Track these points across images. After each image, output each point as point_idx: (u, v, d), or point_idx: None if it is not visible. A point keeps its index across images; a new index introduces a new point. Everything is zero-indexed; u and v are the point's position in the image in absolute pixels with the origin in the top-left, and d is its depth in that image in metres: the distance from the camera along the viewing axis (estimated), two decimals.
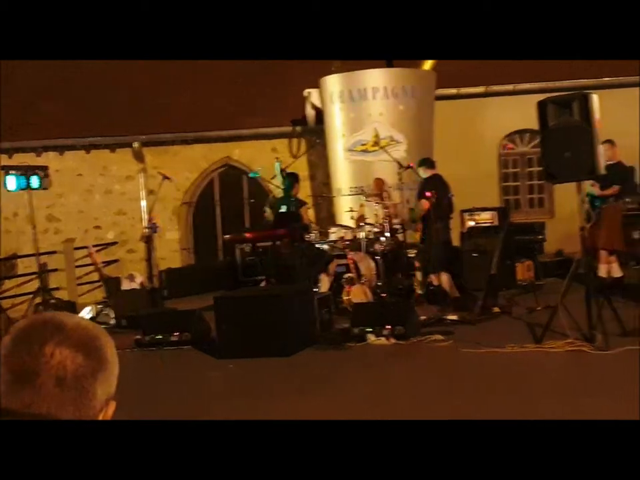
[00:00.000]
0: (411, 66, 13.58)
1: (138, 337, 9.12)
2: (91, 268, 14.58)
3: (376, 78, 13.29)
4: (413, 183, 11.67)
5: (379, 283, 10.69)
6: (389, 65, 13.38)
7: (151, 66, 14.47)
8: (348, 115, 13.48)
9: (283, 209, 10.85)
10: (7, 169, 11.94)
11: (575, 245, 11.02)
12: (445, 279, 10.20)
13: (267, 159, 14.91)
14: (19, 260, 15.57)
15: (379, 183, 11.90)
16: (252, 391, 6.98)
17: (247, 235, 11.63)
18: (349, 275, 10.43)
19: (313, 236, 11.38)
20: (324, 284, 10.66)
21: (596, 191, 10.38)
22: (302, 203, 10.99)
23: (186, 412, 6.18)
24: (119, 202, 16.38)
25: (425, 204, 10.10)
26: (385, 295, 10.44)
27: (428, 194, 9.88)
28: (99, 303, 11.99)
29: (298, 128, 15.70)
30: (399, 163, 10.98)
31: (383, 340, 8.22)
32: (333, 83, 13.64)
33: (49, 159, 15.62)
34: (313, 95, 14.76)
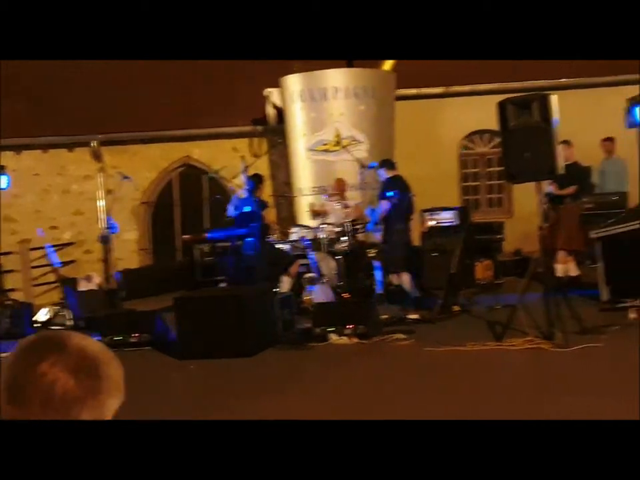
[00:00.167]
0: (371, 66, 13.62)
1: (96, 338, 9.01)
2: (48, 269, 14.40)
3: (336, 78, 13.31)
4: (376, 183, 11.70)
5: (340, 283, 10.70)
6: (350, 65, 13.40)
7: (108, 65, 14.30)
8: (309, 115, 13.48)
9: (247, 209, 10.80)
10: None
11: (532, 244, 11.14)
12: (405, 278, 10.24)
13: (227, 158, 14.85)
14: None
15: (340, 183, 11.92)
16: (214, 392, 6.94)
17: (206, 234, 11.57)
18: (310, 274, 10.43)
19: (273, 236, 11.37)
20: (284, 284, 10.64)
21: (554, 190, 10.50)
22: (265, 205, 10.96)
23: (147, 413, 6.11)
24: (76, 202, 16.20)
25: (386, 205, 10.13)
26: (346, 294, 10.45)
27: (388, 195, 9.91)
28: (55, 305, 11.83)
29: (259, 127, 15.67)
30: (360, 162, 10.99)
31: (344, 339, 8.22)
32: (294, 82, 13.63)
33: (6, 159, 15.40)
34: (274, 94, 14.74)
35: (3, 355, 1.51)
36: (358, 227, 11.23)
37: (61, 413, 1.41)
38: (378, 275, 10.67)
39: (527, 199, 12.00)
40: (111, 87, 16.13)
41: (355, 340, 8.21)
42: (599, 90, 15.01)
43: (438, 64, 12.91)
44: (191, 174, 16.49)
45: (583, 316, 7.79)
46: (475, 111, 14.80)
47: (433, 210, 12.36)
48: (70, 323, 10.69)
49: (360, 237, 11.29)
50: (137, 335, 8.89)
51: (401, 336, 8.25)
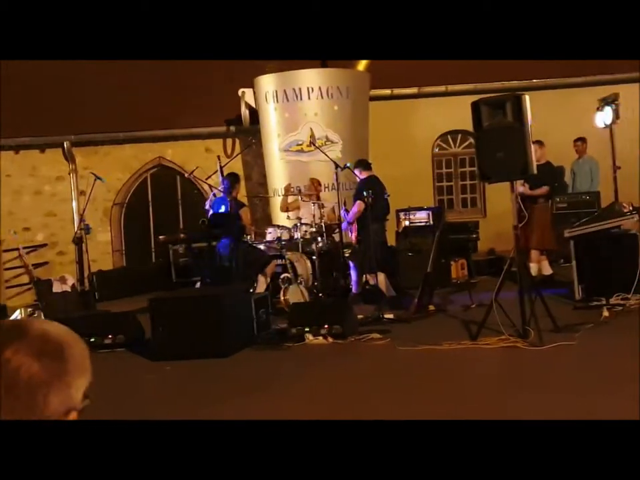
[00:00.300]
0: (345, 66, 13.65)
1: None
2: (20, 270, 14.28)
3: (310, 78, 13.32)
4: (351, 183, 11.73)
5: (316, 283, 10.72)
6: (323, 65, 13.42)
7: (80, 65, 14.21)
8: (283, 115, 13.47)
9: (222, 209, 10.77)
10: None
11: (506, 243, 11.22)
12: (381, 278, 10.27)
13: (200, 159, 14.81)
14: None
15: (314, 183, 11.93)
16: (189, 393, 6.91)
17: (182, 235, 11.52)
18: (286, 274, 10.43)
19: (249, 237, 11.35)
20: (260, 285, 10.63)
21: (525, 190, 10.57)
22: (241, 205, 10.92)
23: (122, 415, 6.08)
24: (49, 203, 16.08)
25: (361, 205, 10.15)
26: (321, 294, 10.47)
27: (364, 195, 9.93)
28: (29, 306, 11.74)
29: (232, 128, 15.64)
30: (335, 163, 11.00)
31: (320, 339, 8.23)
32: (268, 82, 13.62)
33: None
34: (247, 95, 14.72)
35: None
36: (333, 227, 11.25)
37: (28, 398, 1.41)
38: (354, 275, 10.70)
39: (500, 198, 12.09)
40: (83, 87, 16.03)
41: (331, 340, 8.22)
42: (570, 90, 15.16)
43: (411, 64, 12.99)
44: (165, 175, 16.43)
45: (557, 314, 7.86)
46: (448, 112, 14.90)
47: (407, 210, 12.40)
48: None
49: (335, 237, 11.30)
50: (111, 336, 8.84)
51: (377, 335, 8.27)
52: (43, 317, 10.74)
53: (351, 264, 10.77)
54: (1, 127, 15.04)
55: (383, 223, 10.64)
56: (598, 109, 12.05)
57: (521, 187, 10.36)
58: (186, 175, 13.09)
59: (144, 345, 8.71)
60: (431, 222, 12.14)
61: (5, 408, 1.40)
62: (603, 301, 8.74)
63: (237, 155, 14.91)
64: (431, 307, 9.55)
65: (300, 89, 13.27)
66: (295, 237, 11.02)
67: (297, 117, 13.35)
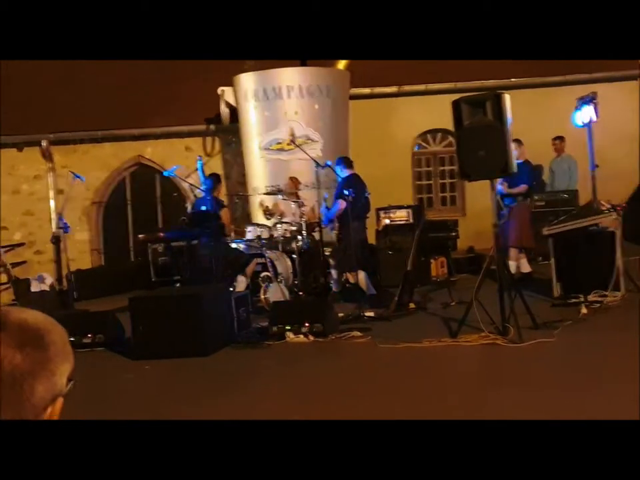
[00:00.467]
0: (325, 65, 13.64)
1: None
2: None
3: (290, 76, 13.30)
4: (332, 181, 11.73)
5: (296, 282, 10.72)
6: (304, 64, 13.41)
7: (59, 63, 14.13)
8: (263, 114, 13.45)
9: (203, 209, 10.75)
10: None
11: (485, 241, 11.27)
12: (361, 276, 10.29)
13: (180, 157, 14.77)
14: None
15: (294, 181, 11.92)
16: (169, 392, 6.90)
17: (161, 234, 11.47)
18: (266, 273, 10.42)
19: (229, 236, 11.35)
20: (240, 284, 10.62)
21: (504, 189, 10.61)
22: (222, 205, 10.90)
23: (102, 414, 6.06)
24: (26, 202, 15.97)
25: (342, 204, 10.15)
26: (302, 293, 10.47)
27: (345, 193, 9.94)
28: (7, 305, 11.64)
29: (212, 126, 15.60)
30: (315, 161, 11.00)
31: (301, 337, 8.24)
32: (247, 81, 13.59)
33: None
34: (227, 93, 14.67)
35: None
36: (313, 225, 11.25)
37: (13, 389, 1.40)
38: (334, 273, 10.71)
39: (479, 197, 12.15)
40: (61, 85, 15.93)
41: (312, 338, 8.23)
42: (548, 89, 15.24)
43: (391, 63, 13.00)
44: (144, 173, 16.36)
45: (536, 312, 7.90)
46: (428, 111, 14.94)
47: (387, 208, 12.42)
48: None
49: (315, 235, 11.31)
50: (90, 335, 8.79)
51: (358, 333, 8.28)
52: None
53: (332, 262, 10.78)
54: None
55: (363, 221, 10.66)
56: (576, 108, 12.11)
57: (500, 186, 10.41)
58: (164, 174, 13.03)
59: (123, 344, 8.69)
60: (411, 220, 12.16)
61: None
62: (581, 298, 8.81)
63: (217, 154, 14.88)
64: (411, 305, 9.57)
65: (280, 88, 13.25)
66: (275, 235, 11.02)
67: (277, 116, 13.33)
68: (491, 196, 7.97)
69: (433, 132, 15.93)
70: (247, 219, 13.81)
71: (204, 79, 15.10)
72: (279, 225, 10.98)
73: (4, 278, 13.87)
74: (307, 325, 8.27)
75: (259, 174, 13.60)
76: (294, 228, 10.91)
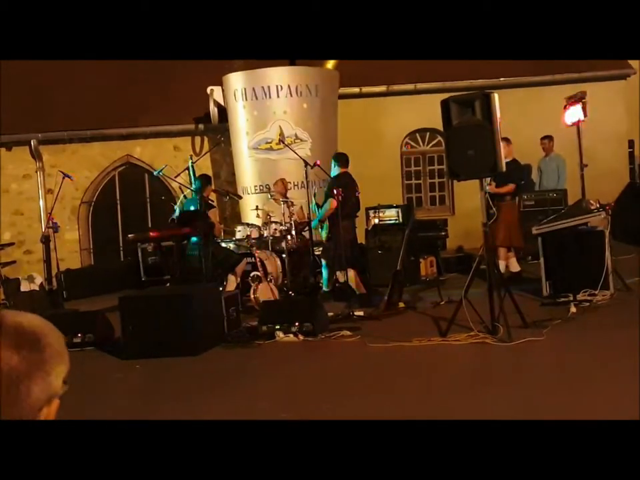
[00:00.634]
0: (314, 65, 13.64)
1: None
2: None
3: (279, 76, 13.30)
4: (321, 181, 11.73)
5: (286, 281, 10.72)
6: (292, 64, 13.41)
7: (47, 63, 14.08)
8: (252, 113, 13.44)
9: (190, 209, 10.73)
10: None
11: (474, 241, 11.30)
12: (351, 275, 10.29)
13: (169, 157, 14.75)
14: None
15: (282, 182, 11.93)
16: (159, 391, 6.90)
17: (151, 233, 11.45)
18: (255, 273, 10.41)
19: (218, 237, 11.34)
20: (230, 284, 10.61)
21: (491, 188, 10.63)
22: (211, 206, 10.87)
23: (92, 414, 6.06)
24: (15, 201, 15.92)
25: (333, 202, 10.12)
26: (291, 292, 10.47)
27: (335, 192, 9.93)
28: None
29: (201, 126, 15.58)
30: (304, 161, 11.00)
31: (291, 337, 8.24)
32: (236, 80, 13.58)
33: None
34: (216, 93, 14.67)
35: None
36: (303, 225, 11.26)
37: (10, 390, 1.42)
38: (325, 272, 10.70)
39: (468, 196, 12.19)
40: (50, 85, 15.89)
41: (302, 337, 8.23)
42: (537, 88, 15.31)
43: (380, 63, 13.05)
44: (133, 173, 16.33)
45: (525, 311, 7.93)
46: (417, 110, 14.97)
47: (377, 208, 12.43)
48: None
49: (305, 234, 11.31)
50: (80, 335, 8.78)
51: (347, 333, 8.29)
52: None
53: (323, 262, 10.77)
54: None
55: (352, 220, 10.63)
56: (565, 107, 12.15)
57: (487, 185, 10.42)
58: (154, 173, 13.01)
59: (113, 344, 8.67)
60: (400, 220, 12.18)
61: None
62: (570, 297, 8.83)
63: (206, 154, 14.87)
64: (401, 304, 9.59)
65: (269, 87, 13.25)
66: (265, 234, 11.02)
67: (266, 115, 13.34)
68: (480, 195, 7.99)
69: (422, 131, 15.97)
70: (236, 219, 13.81)
71: (193, 79, 15.09)
72: (268, 225, 10.97)
73: None
74: (296, 324, 8.27)
75: (248, 173, 13.60)
76: (283, 227, 10.91)
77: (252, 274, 10.47)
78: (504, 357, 6.97)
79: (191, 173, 11.36)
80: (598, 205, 9.61)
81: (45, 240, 11.47)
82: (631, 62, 15.11)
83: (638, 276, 9.84)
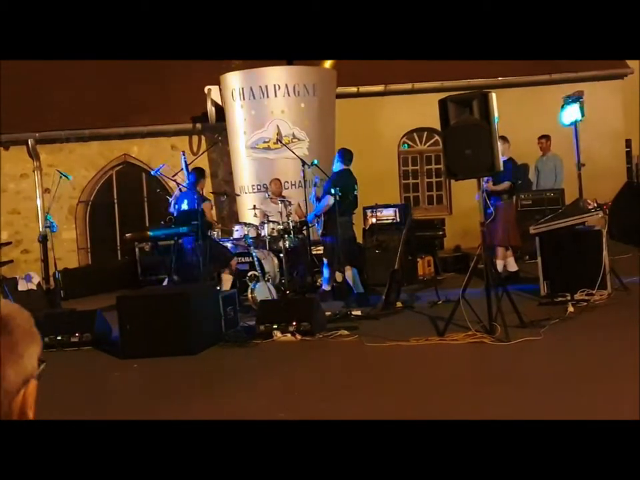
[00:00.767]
0: (312, 64, 13.63)
1: None
2: None
3: (277, 75, 13.29)
4: (319, 180, 11.71)
5: (283, 280, 10.72)
6: (290, 63, 13.40)
7: (44, 62, 14.07)
8: (249, 112, 13.43)
9: (185, 204, 10.72)
10: None
11: (471, 240, 11.30)
12: (349, 273, 10.28)
13: (166, 156, 14.74)
14: None
15: (278, 183, 11.93)
16: (157, 391, 6.90)
17: (149, 233, 11.44)
18: (253, 272, 10.41)
19: (215, 233, 11.33)
20: (226, 282, 10.61)
21: (488, 185, 10.61)
22: (204, 199, 10.84)
23: (89, 413, 6.06)
24: (13, 201, 15.91)
25: (330, 200, 10.09)
26: (289, 291, 10.47)
27: (332, 192, 9.92)
28: None
29: (198, 125, 15.58)
30: (302, 160, 10.99)
31: (289, 336, 8.24)
32: (234, 79, 13.58)
33: None
34: (214, 92, 14.67)
35: None
36: (301, 224, 11.26)
37: None
38: (325, 271, 10.67)
39: (466, 196, 12.18)
40: (47, 84, 15.87)
41: (299, 337, 8.23)
42: (535, 88, 15.32)
43: (378, 62, 13.04)
44: (130, 172, 16.32)
45: (523, 310, 7.93)
46: (414, 109, 14.96)
47: (374, 207, 12.43)
48: None
49: (303, 234, 11.31)
50: (78, 334, 8.78)
51: (345, 332, 8.29)
52: None
53: (324, 260, 10.74)
54: None
55: (350, 217, 10.56)
56: (562, 107, 12.16)
57: (484, 183, 10.41)
58: (152, 173, 13.01)
59: (111, 343, 8.67)
60: (398, 219, 12.17)
61: None
62: (567, 296, 8.84)
63: (203, 153, 14.87)
64: (399, 304, 9.59)
65: (266, 87, 13.24)
66: (262, 234, 11.02)
67: (264, 115, 13.33)
68: (477, 195, 7.99)
69: (420, 131, 15.97)
70: (233, 218, 13.81)
71: (190, 78, 15.09)
72: (266, 224, 10.97)
73: None
74: (294, 323, 8.27)
75: (245, 173, 13.59)
76: (281, 227, 10.91)
77: (249, 273, 10.47)
78: (501, 356, 6.98)
79: (184, 167, 11.34)
80: (595, 205, 9.62)
81: (43, 239, 11.47)
82: (628, 61, 15.11)
83: (635, 275, 9.84)
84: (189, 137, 15.84)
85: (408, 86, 15.38)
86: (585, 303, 8.65)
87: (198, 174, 10.94)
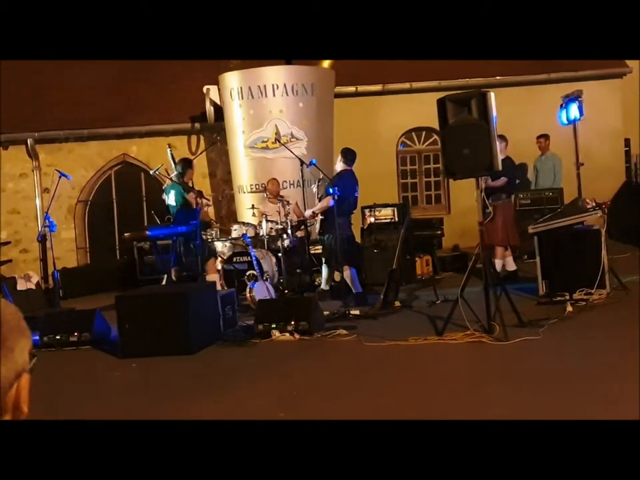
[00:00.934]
0: (310, 63, 13.64)
1: (36, 337, 8.88)
2: None
3: (275, 75, 13.30)
4: (316, 180, 11.71)
5: (281, 280, 10.73)
6: (288, 62, 13.40)
7: (43, 62, 14.08)
8: (248, 112, 13.44)
9: (171, 194, 10.71)
10: None
11: (470, 240, 11.31)
12: (348, 273, 10.29)
13: (165, 156, 14.71)
14: None
15: (275, 182, 11.93)
16: (156, 390, 6.89)
17: (147, 232, 11.45)
18: (251, 271, 10.42)
19: (214, 233, 11.35)
20: (210, 273, 10.65)
21: (486, 183, 10.59)
22: (189, 190, 10.78)
23: (88, 413, 6.06)
24: (12, 200, 15.91)
25: (329, 201, 10.07)
26: (287, 291, 10.48)
27: (330, 192, 9.92)
28: None
29: (197, 125, 15.58)
30: (300, 160, 10.99)
31: (287, 336, 8.24)
32: (232, 79, 13.58)
33: None
34: (212, 92, 14.68)
35: None
36: (299, 224, 11.26)
37: None
38: (324, 271, 10.67)
39: (464, 195, 12.20)
40: (46, 84, 15.88)
41: (298, 336, 8.23)
42: (534, 87, 15.32)
43: (376, 62, 13.05)
44: (129, 172, 16.32)
45: (521, 310, 7.94)
46: (413, 109, 14.97)
47: (372, 207, 12.44)
48: None
49: (301, 233, 11.32)
50: (77, 334, 8.78)
51: (343, 332, 8.29)
52: None
53: (323, 260, 10.73)
54: None
55: (348, 217, 10.55)
56: (561, 106, 12.17)
57: (482, 182, 10.40)
58: (151, 173, 13.00)
59: (110, 343, 8.68)
60: (396, 219, 12.18)
61: None
62: (566, 296, 8.85)
63: (202, 152, 14.87)
64: (397, 303, 9.59)
65: (265, 86, 13.25)
66: (261, 233, 11.02)
67: (262, 114, 13.33)
68: (476, 194, 7.99)
69: (418, 130, 15.97)
70: (232, 217, 13.81)
71: (189, 78, 15.09)
72: (264, 224, 10.97)
73: None
74: (292, 323, 8.28)
75: (244, 172, 13.60)
76: (279, 226, 10.91)
77: (248, 273, 10.48)
78: (500, 356, 6.98)
79: (171, 159, 11.32)
80: (594, 204, 9.62)
81: (42, 239, 11.47)
82: (627, 61, 15.12)
83: (635, 275, 9.85)
84: (188, 137, 15.85)
85: (406, 85, 15.39)
86: (584, 303, 8.66)
87: (184, 165, 10.93)
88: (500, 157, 8.41)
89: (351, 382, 6.60)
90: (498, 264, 10.81)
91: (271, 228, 10.98)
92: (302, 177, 11.26)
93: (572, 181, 12.18)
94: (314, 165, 10.88)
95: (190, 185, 10.80)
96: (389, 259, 10.11)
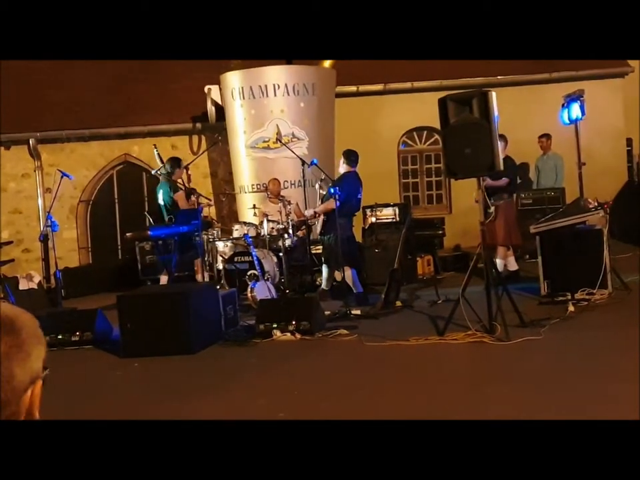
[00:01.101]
0: (311, 63, 13.64)
1: None
2: None
3: (277, 75, 13.30)
4: (318, 180, 11.71)
5: (283, 280, 10.73)
6: (289, 62, 13.40)
7: (45, 62, 14.10)
8: (249, 112, 13.44)
9: (160, 193, 10.73)
10: None
11: (471, 239, 11.30)
12: (348, 273, 10.28)
13: (166, 155, 14.70)
14: None
15: (276, 182, 11.93)
16: (157, 390, 6.89)
17: (149, 232, 11.45)
18: (252, 271, 10.42)
19: (215, 233, 11.35)
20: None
21: (487, 182, 10.57)
22: (177, 189, 10.76)
23: (90, 413, 6.06)
24: (14, 200, 15.93)
25: (332, 203, 10.04)
26: (288, 291, 10.47)
27: (331, 192, 9.91)
28: None
29: (198, 125, 15.58)
30: (302, 159, 10.99)
31: (288, 335, 8.24)
32: (234, 79, 13.58)
33: None
34: (214, 92, 14.68)
35: None
36: (300, 223, 11.26)
37: None
38: (325, 271, 10.67)
39: (465, 195, 12.19)
40: (48, 84, 15.89)
41: (299, 336, 8.23)
42: (535, 87, 15.32)
43: (377, 61, 13.04)
44: (131, 172, 16.33)
45: (523, 310, 7.94)
46: (414, 108, 14.96)
47: (373, 207, 12.44)
48: None
49: (302, 233, 11.32)
50: (78, 333, 8.79)
51: (344, 331, 8.29)
52: None
53: (323, 260, 10.73)
54: None
55: (350, 218, 10.55)
56: (563, 106, 12.16)
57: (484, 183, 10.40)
58: (152, 172, 13.01)
59: (112, 342, 8.68)
60: (397, 218, 12.18)
61: None
62: (568, 296, 8.84)
63: (203, 152, 14.88)
64: (398, 303, 9.59)
65: (266, 86, 13.24)
66: (262, 233, 11.02)
67: (263, 114, 13.33)
68: (477, 194, 7.99)
69: (419, 130, 15.96)
70: (233, 217, 13.80)
71: (190, 78, 15.09)
72: (265, 223, 10.97)
73: None
74: (293, 322, 8.28)
75: (245, 172, 13.60)
76: (281, 226, 10.91)
77: (249, 273, 10.48)
78: (501, 356, 6.97)
79: (158, 159, 11.33)
80: (596, 204, 9.61)
81: (44, 239, 11.47)
82: (629, 60, 15.11)
83: (637, 275, 9.84)
84: (189, 137, 15.85)
85: (407, 85, 15.38)
86: (586, 303, 8.65)
87: (172, 164, 10.93)
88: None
89: (352, 382, 6.59)
90: (499, 264, 10.79)
91: (272, 228, 10.98)
92: (303, 176, 11.26)
93: (574, 180, 12.17)
94: (315, 164, 10.87)
95: (181, 183, 10.81)
96: (390, 258, 10.11)
